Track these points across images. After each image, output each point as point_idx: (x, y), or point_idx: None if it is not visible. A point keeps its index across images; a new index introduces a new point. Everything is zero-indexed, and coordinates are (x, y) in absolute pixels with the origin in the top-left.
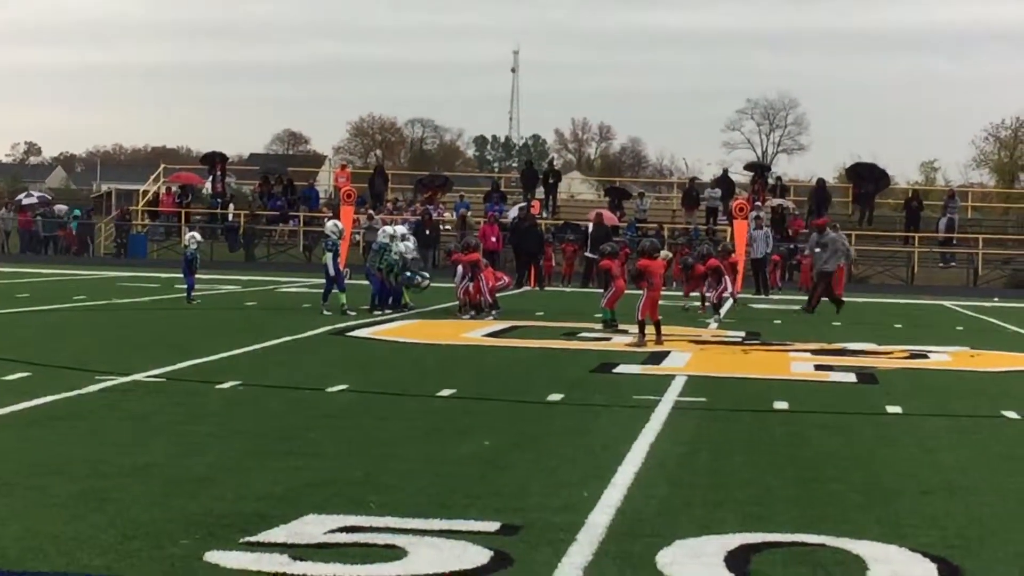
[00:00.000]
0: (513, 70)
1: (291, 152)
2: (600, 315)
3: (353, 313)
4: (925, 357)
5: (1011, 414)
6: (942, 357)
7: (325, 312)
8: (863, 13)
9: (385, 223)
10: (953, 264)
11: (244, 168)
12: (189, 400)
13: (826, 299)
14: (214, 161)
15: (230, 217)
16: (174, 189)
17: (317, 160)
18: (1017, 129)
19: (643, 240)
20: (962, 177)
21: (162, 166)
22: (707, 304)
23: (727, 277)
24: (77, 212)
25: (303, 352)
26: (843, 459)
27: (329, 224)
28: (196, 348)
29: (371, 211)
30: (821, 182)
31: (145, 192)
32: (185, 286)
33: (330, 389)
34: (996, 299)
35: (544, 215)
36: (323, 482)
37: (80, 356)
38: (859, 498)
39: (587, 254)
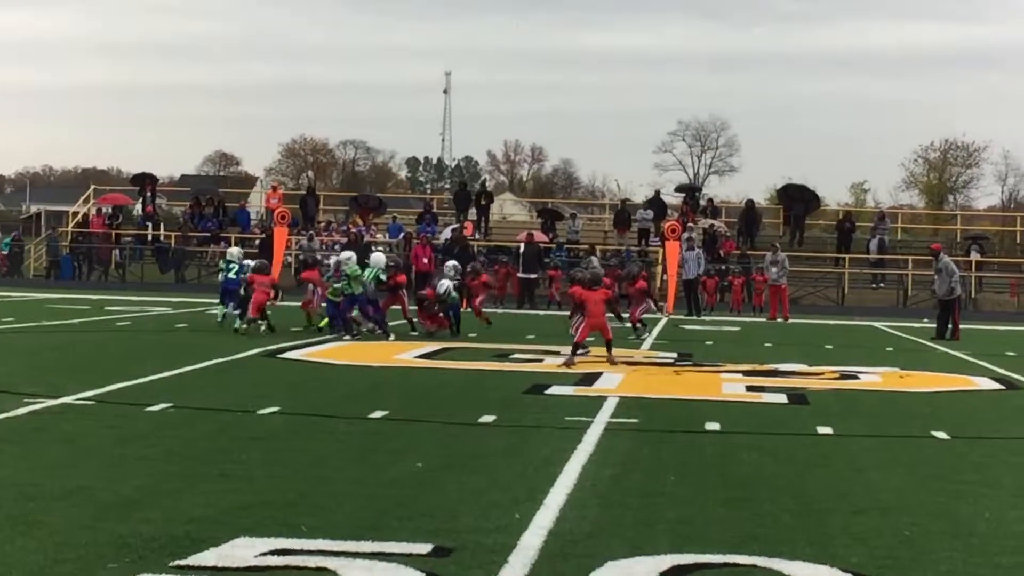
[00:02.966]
0: (445, 92)
1: (222, 173)
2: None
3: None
4: (856, 378)
5: (941, 434)
6: (872, 378)
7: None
8: (794, 35)
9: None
10: (883, 285)
11: (175, 189)
12: (119, 423)
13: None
14: (144, 182)
15: (161, 238)
16: (105, 210)
17: (249, 181)
18: (946, 151)
19: (582, 272)
20: (892, 199)
21: (92, 187)
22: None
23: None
24: (8, 241)
25: (234, 374)
26: (774, 479)
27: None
28: (126, 370)
29: (311, 232)
30: (751, 203)
31: (75, 214)
32: (226, 311)
33: (261, 411)
34: (925, 320)
35: (477, 236)
36: (254, 504)
37: (8, 379)
38: (790, 518)
39: (520, 275)
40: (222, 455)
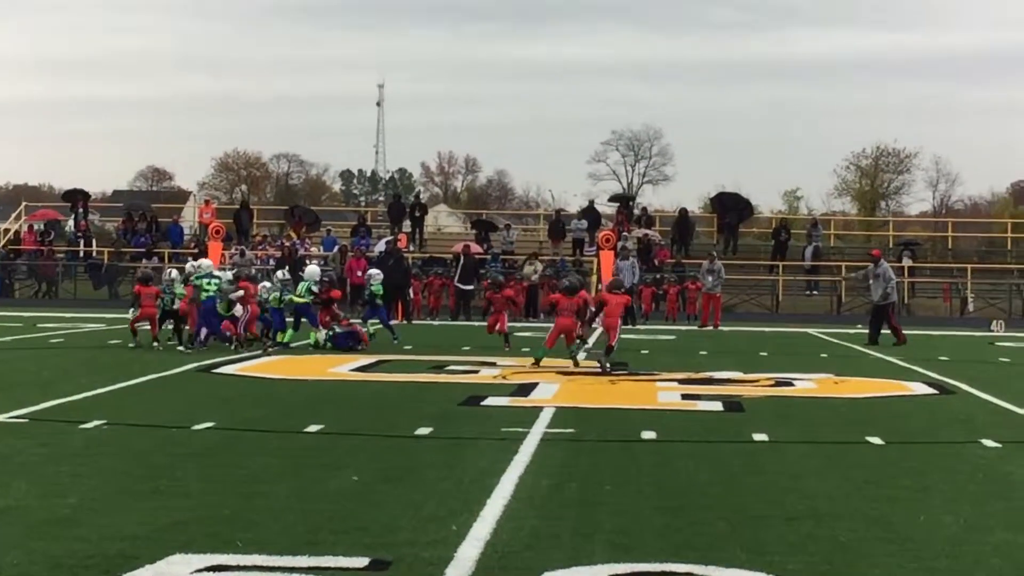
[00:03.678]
0: (379, 104)
1: (155, 188)
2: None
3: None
4: (790, 385)
5: (875, 440)
6: (807, 384)
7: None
8: (726, 44)
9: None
10: (816, 292)
11: (107, 205)
12: (53, 440)
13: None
14: (76, 198)
15: (93, 254)
16: (37, 227)
17: (182, 196)
18: (878, 157)
19: (565, 279)
20: (825, 206)
21: (23, 203)
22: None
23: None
24: None
25: (169, 390)
26: (710, 487)
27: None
28: (59, 388)
29: (243, 247)
30: (684, 212)
31: (7, 230)
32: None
33: (196, 427)
34: (859, 326)
35: (411, 248)
36: (189, 521)
37: None
38: (726, 526)
39: (458, 284)
40: (157, 472)
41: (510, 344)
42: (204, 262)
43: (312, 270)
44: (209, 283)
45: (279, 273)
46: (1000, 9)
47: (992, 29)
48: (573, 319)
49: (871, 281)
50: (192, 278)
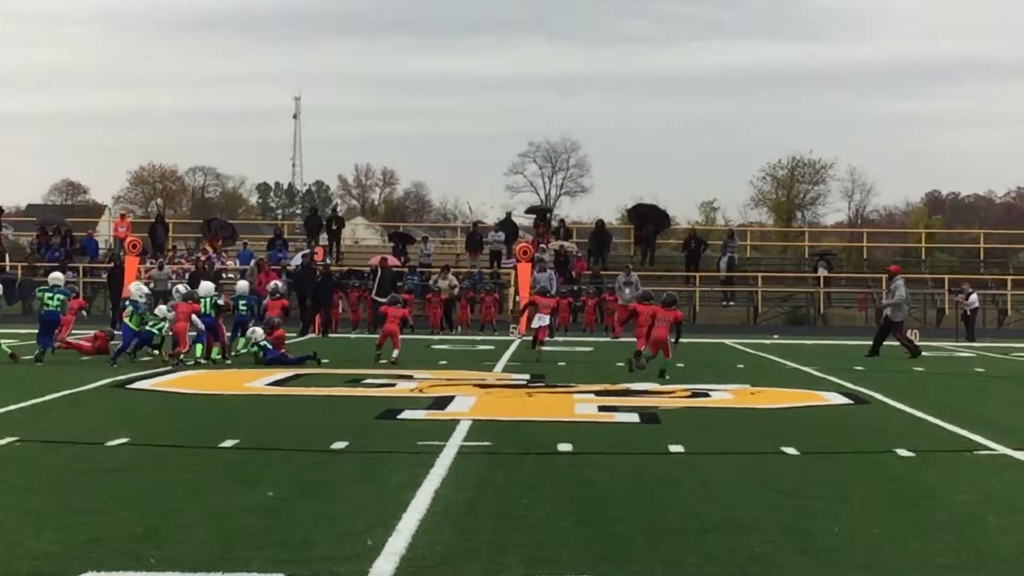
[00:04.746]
0: (295, 116)
1: (70, 202)
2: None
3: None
4: (707, 396)
5: (790, 450)
6: (723, 395)
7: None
8: (643, 56)
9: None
10: (732, 303)
11: (21, 219)
12: None
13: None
14: None
15: (7, 269)
16: None
17: (97, 210)
18: (793, 168)
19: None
20: (741, 216)
21: None
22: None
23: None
24: None
25: (82, 406)
26: (627, 499)
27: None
28: None
29: (161, 260)
30: (600, 223)
31: None
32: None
33: (110, 443)
34: (776, 336)
35: (328, 261)
36: (102, 538)
37: None
38: (643, 538)
39: (375, 297)
40: (70, 489)
41: (396, 359)
42: (53, 275)
43: (207, 286)
44: (52, 297)
45: (180, 287)
46: (915, 20)
47: (907, 40)
48: (667, 330)
49: (887, 296)
50: (36, 291)
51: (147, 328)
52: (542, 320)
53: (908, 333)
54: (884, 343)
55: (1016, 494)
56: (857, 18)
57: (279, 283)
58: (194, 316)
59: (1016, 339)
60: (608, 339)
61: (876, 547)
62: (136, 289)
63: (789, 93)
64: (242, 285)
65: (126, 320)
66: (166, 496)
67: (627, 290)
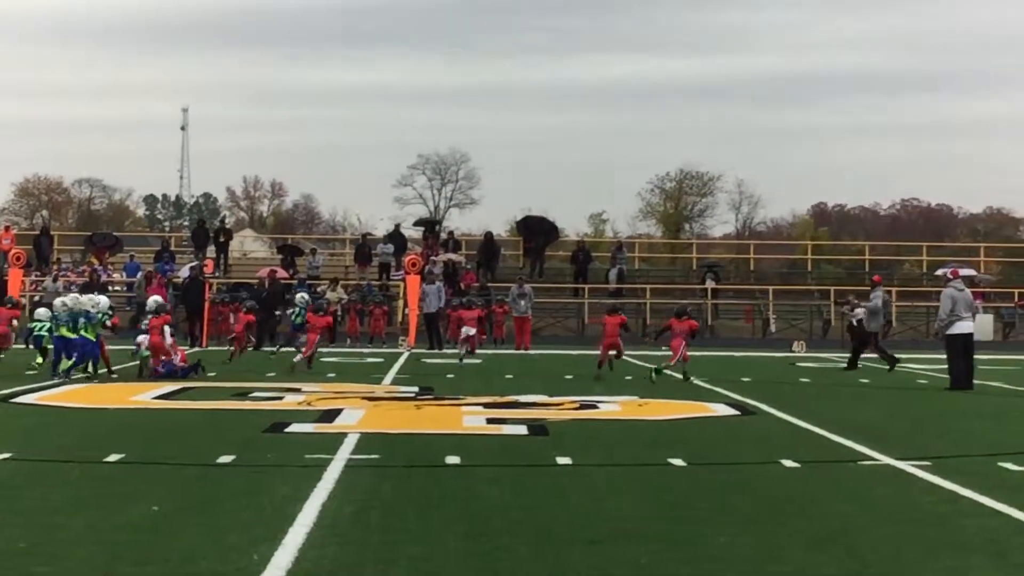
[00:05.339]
0: (183, 128)
1: None
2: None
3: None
4: (595, 407)
5: (678, 461)
6: (611, 407)
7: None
8: (533, 68)
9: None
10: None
11: None
12: None
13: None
14: None
15: None
16: None
17: None
18: (682, 181)
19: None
20: (630, 228)
21: None
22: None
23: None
24: None
25: None
26: (514, 512)
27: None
28: None
29: (55, 271)
30: (489, 235)
31: None
32: None
33: None
34: (663, 348)
35: (217, 274)
36: None
37: None
38: (529, 550)
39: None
40: None
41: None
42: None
43: (103, 300)
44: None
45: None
46: (803, 34)
47: (795, 54)
48: (682, 340)
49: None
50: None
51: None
52: (468, 331)
53: (794, 345)
54: (862, 355)
55: (898, 504)
56: (747, 32)
57: (158, 298)
58: (166, 328)
59: (900, 350)
60: (495, 351)
61: (760, 558)
62: (59, 304)
63: (678, 106)
64: (101, 301)
65: (67, 333)
66: (50, 511)
67: (521, 302)
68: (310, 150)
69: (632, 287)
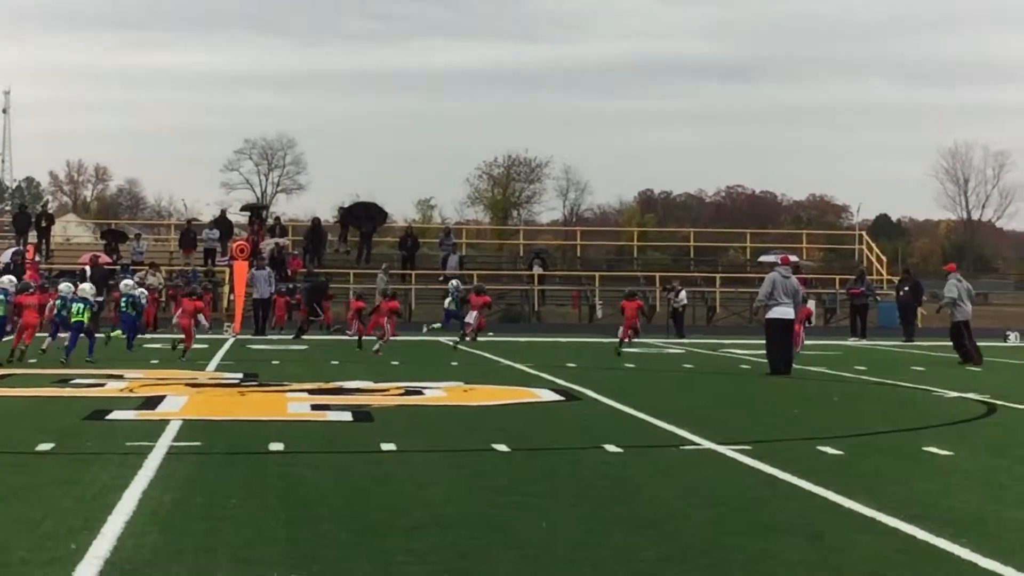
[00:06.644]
0: (4, 111)
1: None
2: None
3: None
4: (420, 393)
5: (501, 447)
6: (437, 393)
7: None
8: (360, 53)
9: None
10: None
11: None
12: None
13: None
14: None
15: None
16: None
17: None
18: (510, 167)
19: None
20: (458, 214)
21: None
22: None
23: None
24: None
25: None
26: (336, 498)
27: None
28: None
29: None
30: (316, 221)
31: None
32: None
33: None
34: (491, 334)
35: (39, 259)
36: None
37: None
38: (350, 537)
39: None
40: None
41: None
42: None
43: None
44: None
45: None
46: (631, 22)
47: (623, 41)
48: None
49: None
50: None
51: None
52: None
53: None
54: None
55: (719, 488)
56: (574, 19)
57: None
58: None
59: (724, 335)
60: (324, 336)
61: (582, 542)
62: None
63: (506, 92)
64: None
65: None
66: None
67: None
68: (135, 135)
69: (460, 274)
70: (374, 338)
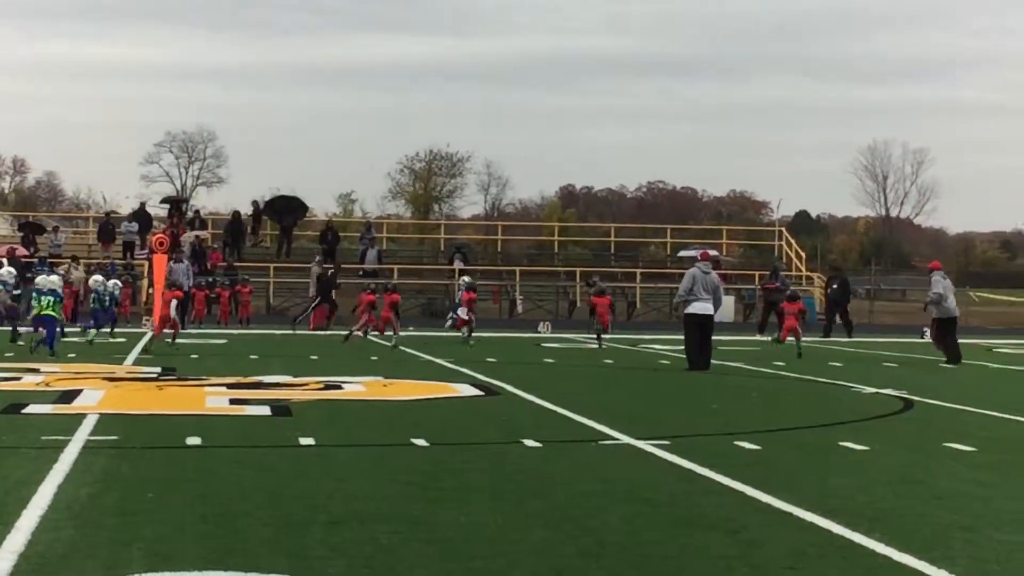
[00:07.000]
0: None
1: None
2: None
3: None
4: (339, 388)
5: (420, 442)
6: (356, 387)
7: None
8: (284, 48)
9: None
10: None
11: None
12: None
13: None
14: None
15: None
16: None
17: None
18: (431, 161)
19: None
20: (379, 209)
21: None
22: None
23: None
24: None
25: None
26: (254, 493)
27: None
28: None
29: None
30: (236, 214)
31: None
32: None
33: None
34: (411, 328)
35: None
36: None
37: None
38: (269, 531)
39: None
40: None
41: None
42: None
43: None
44: None
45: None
46: (553, 16)
47: (545, 35)
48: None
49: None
50: None
51: None
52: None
53: (540, 325)
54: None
55: (637, 483)
56: (498, 13)
57: None
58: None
59: (644, 331)
60: (240, 331)
61: (500, 537)
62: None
63: (428, 87)
64: None
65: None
66: None
67: None
68: (54, 126)
69: (381, 267)
70: (390, 334)
